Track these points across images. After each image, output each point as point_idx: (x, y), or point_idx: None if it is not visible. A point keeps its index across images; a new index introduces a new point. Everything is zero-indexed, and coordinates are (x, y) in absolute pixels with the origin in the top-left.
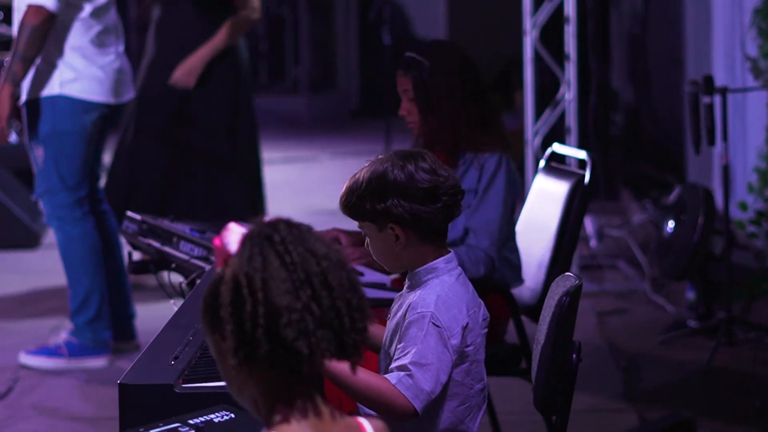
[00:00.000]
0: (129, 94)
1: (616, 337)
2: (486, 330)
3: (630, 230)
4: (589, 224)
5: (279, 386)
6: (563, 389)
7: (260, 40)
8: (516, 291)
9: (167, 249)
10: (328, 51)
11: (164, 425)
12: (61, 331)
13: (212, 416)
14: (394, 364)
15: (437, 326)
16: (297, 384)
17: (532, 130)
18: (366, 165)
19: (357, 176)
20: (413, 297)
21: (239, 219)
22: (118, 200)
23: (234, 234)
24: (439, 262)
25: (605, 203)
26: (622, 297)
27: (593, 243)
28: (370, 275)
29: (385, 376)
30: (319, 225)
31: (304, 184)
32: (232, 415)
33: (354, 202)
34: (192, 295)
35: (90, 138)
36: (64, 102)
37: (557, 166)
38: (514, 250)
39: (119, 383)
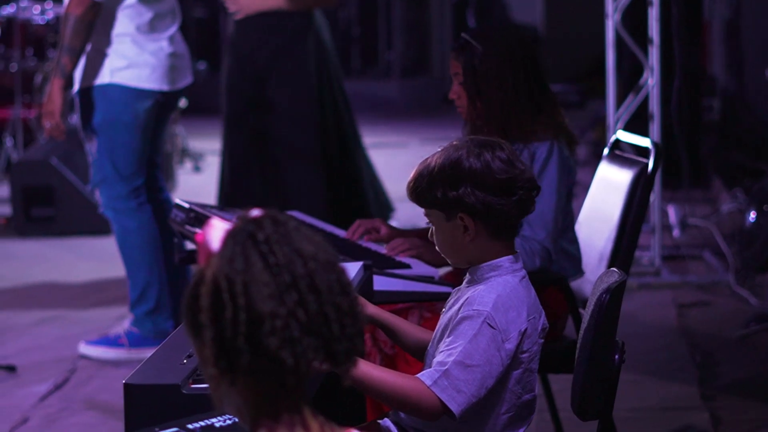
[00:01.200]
0: (186, 80)
1: (695, 331)
2: (542, 340)
3: (717, 220)
4: (672, 213)
5: (263, 397)
6: (604, 392)
7: (352, 24)
8: (576, 284)
9: None
10: (422, 35)
11: (160, 430)
12: (125, 320)
13: (213, 420)
14: (436, 358)
15: (492, 327)
16: (283, 395)
17: (614, 117)
18: (439, 150)
19: (428, 161)
20: (471, 292)
21: (314, 212)
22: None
23: (216, 230)
24: (504, 261)
25: (693, 191)
26: (705, 289)
27: (676, 233)
28: (418, 267)
29: (419, 375)
30: (401, 212)
31: (391, 170)
32: (236, 420)
33: (424, 187)
34: None
35: (144, 127)
36: (116, 90)
37: (621, 154)
38: (574, 240)
39: (124, 383)
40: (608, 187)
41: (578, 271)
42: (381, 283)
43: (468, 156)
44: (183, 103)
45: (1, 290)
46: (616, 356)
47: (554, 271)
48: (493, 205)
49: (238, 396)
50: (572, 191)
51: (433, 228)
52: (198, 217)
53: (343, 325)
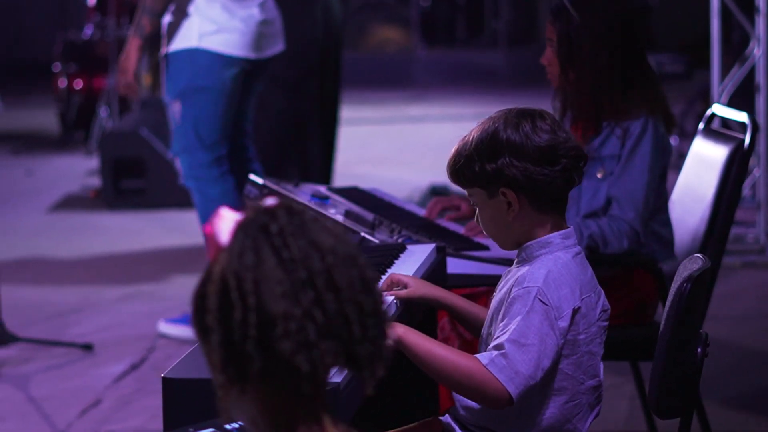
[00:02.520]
0: (275, 48)
1: None
2: (606, 323)
3: None
4: None
5: (278, 408)
6: (684, 389)
7: None
8: (669, 267)
9: None
10: (529, 2)
11: (194, 430)
12: None
13: None
14: (492, 343)
15: (544, 304)
16: (299, 403)
17: (719, 88)
18: (477, 124)
19: (466, 138)
20: (521, 272)
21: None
22: None
23: (226, 222)
24: (555, 237)
25: None
26: None
27: None
28: (497, 249)
29: (477, 355)
30: None
31: None
32: None
33: (462, 164)
34: None
35: (230, 94)
36: (202, 55)
37: (717, 129)
38: (666, 223)
39: (162, 377)
40: (702, 163)
41: (670, 256)
42: (456, 265)
43: (506, 127)
44: None
45: (85, 265)
46: (699, 349)
47: (644, 254)
48: (535, 176)
49: (250, 405)
50: (666, 171)
51: (478, 210)
52: (272, 193)
53: (365, 326)
